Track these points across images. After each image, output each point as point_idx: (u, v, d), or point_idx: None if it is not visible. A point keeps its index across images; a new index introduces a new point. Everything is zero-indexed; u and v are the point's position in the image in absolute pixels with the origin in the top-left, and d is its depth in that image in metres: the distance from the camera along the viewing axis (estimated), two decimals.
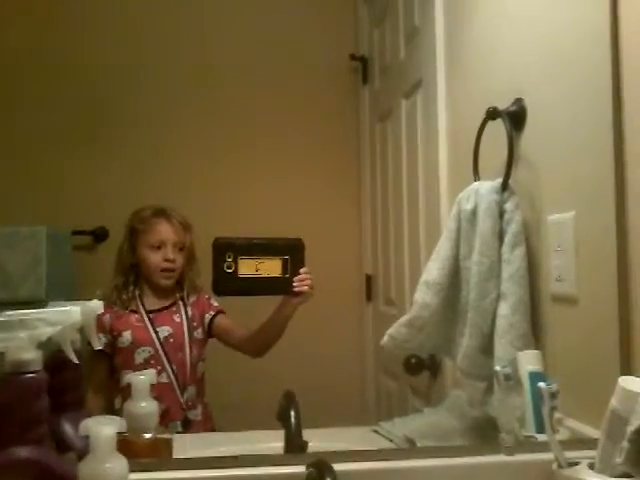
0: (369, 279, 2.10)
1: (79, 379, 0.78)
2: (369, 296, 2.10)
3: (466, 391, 1.22)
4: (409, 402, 1.64)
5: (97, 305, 0.77)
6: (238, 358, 1.62)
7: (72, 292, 1.90)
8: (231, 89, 2.11)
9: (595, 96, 0.93)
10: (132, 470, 0.67)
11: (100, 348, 0.80)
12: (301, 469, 0.73)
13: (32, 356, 0.62)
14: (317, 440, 0.98)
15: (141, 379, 0.84)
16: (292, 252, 1.25)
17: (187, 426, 1.54)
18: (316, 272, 1.32)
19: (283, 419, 0.91)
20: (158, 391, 1.47)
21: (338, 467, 0.72)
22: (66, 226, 1.96)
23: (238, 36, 2.13)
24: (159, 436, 0.84)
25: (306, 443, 0.88)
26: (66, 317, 0.66)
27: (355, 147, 2.18)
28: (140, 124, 2.09)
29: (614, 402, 0.71)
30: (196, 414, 1.57)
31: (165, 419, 1.50)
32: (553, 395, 0.75)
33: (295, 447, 0.87)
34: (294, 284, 1.26)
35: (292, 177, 2.15)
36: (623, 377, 0.72)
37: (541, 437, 0.89)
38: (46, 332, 0.63)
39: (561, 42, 1.00)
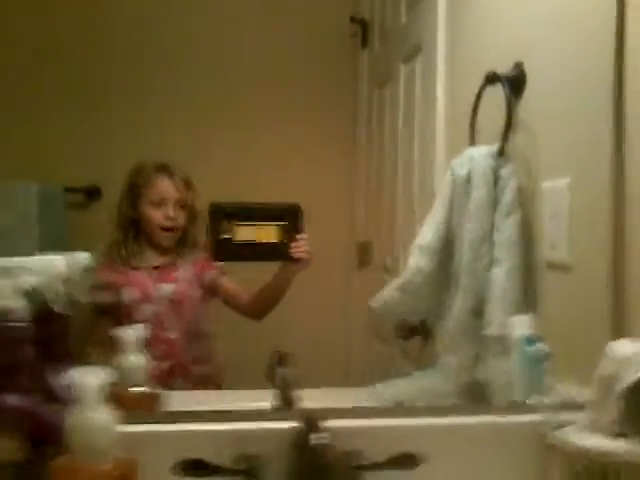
0: (362, 246, 2.09)
1: (66, 330, 0.78)
2: (362, 263, 2.09)
3: (457, 356, 1.23)
4: (399, 367, 1.65)
5: (84, 256, 0.77)
6: (230, 319, 1.63)
7: (64, 250, 1.90)
8: (228, 49, 2.08)
9: (595, 61, 0.92)
10: (118, 422, 0.67)
11: (88, 300, 0.78)
12: (290, 424, 0.73)
13: (15, 304, 0.62)
14: (306, 400, 0.99)
15: (130, 332, 0.84)
16: (290, 217, 1.24)
17: (195, 381, 1.55)
18: (310, 239, 1.31)
19: (271, 377, 0.91)
20: (164, 348, 1.50)
21: (327, 424, 0.72)
22: (58, 183, 1.95)
23: (237, 1, 2.09)
24: (148, 390, 0.84)
25: (295, 398, 0.88)
26: (50, 267, 0.66)
27: (352, 112, 2.15)
28: (137, 81, 2.05)
29: (602, 366, 0.71)
30: (202, 369, 1.58)
31: (171, 375, 1.51)
32: (546, 356, 0.75)
33: (283, 403, 0.87)
34: (292, 250, 1.26)
35: (288, 141, 2.12)
36: (611, 342, 0.72)
37: (532, 399, 0.89)
38: (29, 281, 0.63)
39: (562, 5, 0.98)
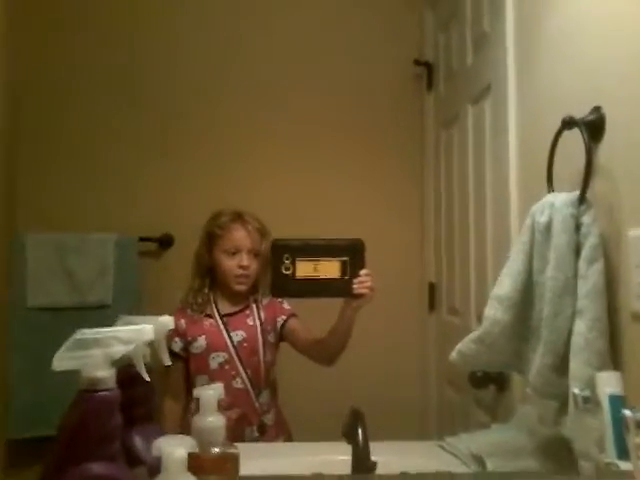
0: (432, 287, 2.06)
1: (149, 393, 0.79)
2: (432, 305, 2.07)
3: (536, 408, 1.18)
4: (473, 417, 1.61)
5: (168, 321, 0.78)
6: (302, 364, 1.62)
7: (137, 298, 1.95)
8: (298, 96, 2.13)
9: None
10: None
11: (169, 364, 0.79)
12: None
13: (106, 374, 0.63)
14: (382, 454, 0.97)
15: (209, 393, 0.83)
16: (351, 253, 1.24)
17: (263, 430, 1.55)
18: (378, 279, 1.29)
19: (349, 437, 0.90)
20: (233, 396, 1.52)
21: None
22: (133, 232, 2.02)
23: (305, 45, 2.14)
24: (226, 451, 0.83)
25: (374, 464, 0.86)
26: (139, 335, 0.67)
27: (419, 153, 2.16)
28: (208, 130, 2.12)
29: None
30: (270, 418, 1.57)
31: (242, 424, 1.53)
32: (639, 423, 0.71)
33: (363, 467, 0.85)
34: (354, 286, 1.25)
35: (357, 183, 2.15)
36: None
37: (623, 464, 0.85)
38: (120, 350, 0.64)
39: None
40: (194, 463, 0.75)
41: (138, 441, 0.75)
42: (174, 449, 0.58)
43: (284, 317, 1.63)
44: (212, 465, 0.81)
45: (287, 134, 2.16)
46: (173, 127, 2.11)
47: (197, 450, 0.68)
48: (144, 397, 0.77)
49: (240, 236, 1.61)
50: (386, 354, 2.08)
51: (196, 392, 0.84)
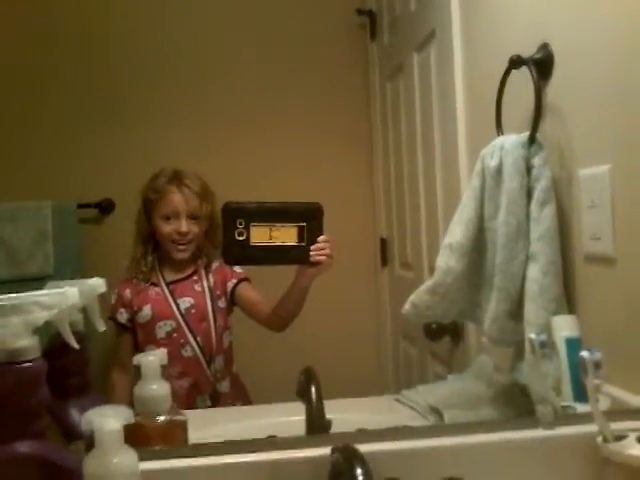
0: (384, 242, 2.04)
1: (83, 362, 0.73)
2: (384, 260, 2.04)
3: (493, 356, 1.17)
4: (430, 368, 1.60)
5: (98, 283, 0.72)
6: (258, 328, 1.58)
7: (80, 266, 1.87)
8: (235, 53, 2.04)
9: (631, 35, 0.85)
10: (143, 459, 0.62)
11: (103, 329, 0.73)
12: (325, 451, 0.68)
13: (28, 343, 0.57)
14: (339, 412, 0.94)
15: (150, 360, 0.79)
16: (309, 218, 1.17)
17: (216, 399, 1.50)
18: (329, 236, 1.25)
19: (303, 396, 0.86)
20: (183, 365, 1.46)
21: (365, 448, 0.67)
22: (71, 199, 1.92)
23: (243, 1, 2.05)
24: (173, 418, 0.79)
25: (329, 422, 0.83)
26: (63, 299, 0.61)
27: (365, 106, 2.10)
28: (146, 92, 2.02)
29: None
30: (225, 386, 1.53)
31: (193, 393, 1.47)
32: (597, 364, 0.69)
33: (318, 427, 0.82)
34: (311, 253, 1.20)
35: (302, 139, 2.08)
36: None
37: (580, 407, 0.84)
38: (42, 316, 0.58)
39: None
40: (137, 433, 0.70)
41: (74, 414, 0.70)
42: (105, 421, 0.53)
43: (234, 281, 1.57)
44: (157, 434, 0.77)
45: (229, 94, 2.07)
46: (111, 87, 2.00)
47: (135, 420, 0.62)
48: (77, 367, 0.72)
49: (176, 200, 1.53)
50: (340, 312, 2.05)
51: (136, 359, 0.79)
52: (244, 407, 1.45)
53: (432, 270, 1.16)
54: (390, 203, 1.95)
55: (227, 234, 1.14)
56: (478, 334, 1.21)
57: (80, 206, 1.94)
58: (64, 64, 1.96)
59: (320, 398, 0.85)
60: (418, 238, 1.66)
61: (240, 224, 1.14)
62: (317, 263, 1.22)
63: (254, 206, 1.16)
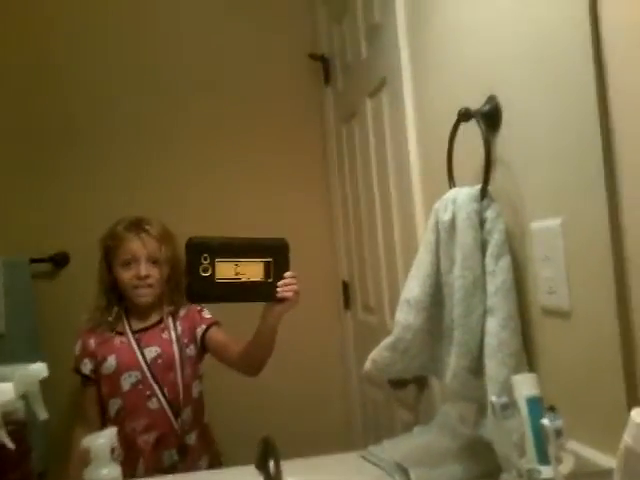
0: (346, 286, 2.02)
1: (22, 454, 0.69)
2: (347, 303, 2.02)
3: (457, 407, 1.16)
4: (397, 415, 1.58)
5: (39, 369, 0.68)
6: (228, 376, 1.54)
7: (35, 324, 1.81)
8: (194, 98, 2.03)
9: (577, 88, 0.86)
10: None
11: (45, 418, 0.69)
12: None
13: None
14: (300, 474, 0.91)
15: (100, 443, 0.75)
16: (276, 254, 1.15)
17: (184, 452, 1.45)
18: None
19: (262, 469, 0.83)
20: (149, 418, 1.41)
21: None
22: (23, 253, 1.86)
23: (197, 46, 2.04)
24: None
25: None
26: None
27: (321, 149, 2.11)
28: (103, 141, 1.99)
29: (628, 439, 0.64)
30: (193, 438, 1.48)
31: (159, 448, 1.42)
32: (558, 432, 0.68)
33: None
34: (278, 289, 1.17)
35: (261, 183, 2.07)
36: (637, 410, 0.64)
37: (544, 469, 0.82)
38: None
39: (535, 29, 0.92)
40: None
41: None
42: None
43: (204, 326, 1.53)
44: None
45: (185, 137, 2.05)
46: (64, 135, 1.96)
47: None
48: (15, 460, 0.68)
49: (134, 245, 1.50)
50: (306, 357, 2.02)
51: (85, 442, 0.75)
52: (206, 472, 1.40)
53: (394, 314, 1.14)
54: (350, 247, 1.94)
55: (191, 270, 1.10)
56: (442, 383, 1.20)
57: (33, 260, 1.89)
58: (11, 110, 1.92)
59: (279, 471, 0.82)
60: (379, 282, 1.65)
61: (205, 259, 1.10)
62: (284, 299, 1.19)
63: (219, 241, 1.13)
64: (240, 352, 1.45)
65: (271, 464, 0.81)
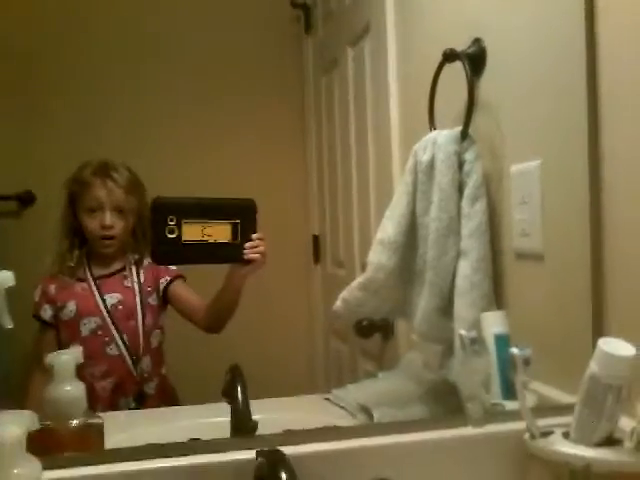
0: (316, 240, 2.01)
1: None
2: (317, 258, 2.02)
3: (422, 354, 1.16)
4: (360, 366, 1.59)
5: (5, 277, 0.66)
6: (189, 327, 1.52)
7: None
8: (171, 44, 1.97)
9: (562, 30, 0.85)
10: (51, 467, 0.58)
11: (10, 326, 0.67)
12: (250, 455, 0.64)
13: None
14: (266, 412, 0.91)
15: (64, 359, 0.73)
16: (243, 215, 1.13)
17: (142, 401, 1.43)
18: (261, 233, 1.22)
19: (229, 396, 0.82)
20: (108, 364, 1.38)
21: (291, 450, 0.64)
22: None
23: None
24: (88, 422, 0.74)
25: (255, 424, 0.79)
26: None
27: (299, 101, 2.07)
28: (70, 76, 1.92)
29: (594, 366, 0.65)
30: (152, 387, 1.47)
31: (117, 395, 1.40)
32: (526, 361, 0.68)
33: (243, 429, 0.79)
34: (245, 251, 1.16)
35: (233, 133, 2.03)
36: (604, 339, 0.65)
37: (508, 404, 0.83)
38: None
39: None
40: (47, 439, 0.66)
41: None
42: (4, 428, 0.48)
43: (168, 278, 1.50)
44: (70, 439, 0.72)
45: (161, 83, 1.99)
46: (34, 70, 1.89)
47: (45, 425, 0.58)
48: None
49: (100, 192, 1.46)
50: (272, 309, 2.01)
51: (49, 359, 0.74)
52: (167, 408, 1.39)
53: (364, 268, 1.14)
54: (323, 200, 1.93)
55: (157, 231, 1.07)
56: (408, 331, 1.21)
57: None
58: None
59: (246, 398, 0.82)
60: (351, 235, 1.65)
61: (171, 221, 1.07)
62: (250, 261, 1.18)
63: (186, 202, 1.10)
64: (202, 309, 1.44)
65: (238, 389, 0.81)
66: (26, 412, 0.55)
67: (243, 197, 1.15)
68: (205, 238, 1.09)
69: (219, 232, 1.11)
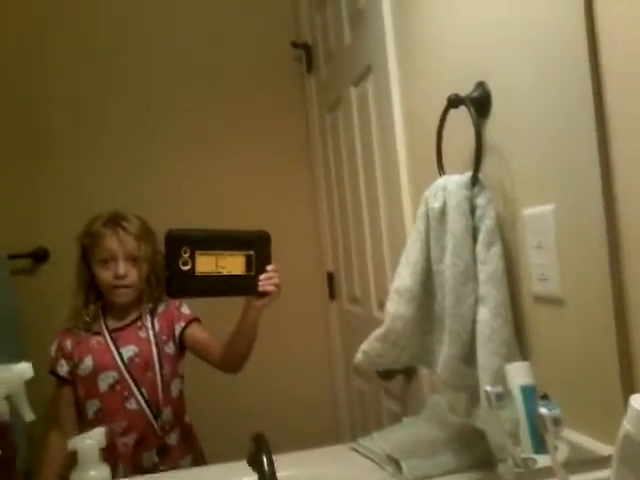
0: (331, 277, 2.01)
1: (8, 457, 0.66)
2: (332, 295, 2.01)
3: (446, 397, 1.15)
4: (384, 406, 1.57)
5: (24, 369, 0.66)
6: (209, 373, 1.51)
7: (15, 321, 1.77)
8: (176, 90, 1.99)
9: (570, 71, 0.85)
10: None
11: (32, 419, 0.67)
12: None
13: None
14: (291, 468, 0.90)
15: (88, 444, 0.73)
16: (257, 246, 1.12)
17: (164, 453, 1.41)
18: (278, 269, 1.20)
19: (254, 465, 0.81)
20: (128, 420, 1.37)
21: None
22: (1, 249, 1.82)
23: (178, 36, 2.00)
24: None
25: None
26: None
27: (305, 138, 2.08)
28: (81, 133, 1.94)
29: (627, 425, 0.63)
30: (174, 439, 1.45)
31: (139, 449, 1.39)
32: (556, 421, 0.67)
33: None
34: (260, 283, 1.14)
35: (245, 174, 2.03)
36: (636, 396, 0.64)
37: (539, 458, 0.82)
38: None
39: (525, 14, 0.91)
40: None
41: None
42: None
43: (183, 324, 1.50)
44: None
45: (168, 128, 2.01)
46: (42, 127, 1.91)
47: None
48: (2, 463, 0.65)
49: (112, 242, 1.46)
50: (291, 350, 2.00)
51: (71, 443, 0.73)
52: (192, 470, 1.37)
53: (380, 304, 1.13)
54: (336, 237, 1.92)
55: (171, 264, 1.06)
56: (431, 373, 1.19)
57: (11, 257, 1.85)
58: None
59: (272, 467, 0.80)
60: (365, 273, 1.64)
61: (185, 252, 1.06)
62: (265, 293, 1.17)
63: (200, 233, 1.09)
64: (220, 349, 1.42)
65: (264, 460, 0.79)
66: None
67: (256, 229, 1.15)
68: (219, 270, 1.08)
69: (233, 264, 1.10)
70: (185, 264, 1.06)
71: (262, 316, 1.29)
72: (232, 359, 1.42)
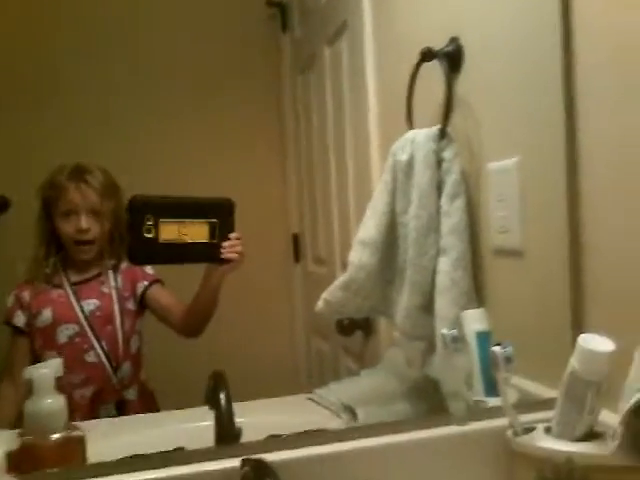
0: (296, 238, 2.01)
1: None
2: (297, 256, 2.01)
3: (403, 351, 1.17)
4: (342, 364, 1.59)
5: None
6: (167, 331, 1.51)
7: None
8: (145, 43, 1.95)
9: (540, 29, 0.86)
10: None
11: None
12: (235, 463, 0.64)
13: None
14: (250, 414, 0.91)
15: (43, 372, 0.72)
16: (221, 214, 1.12)
17: (123, 407, 1.41)
18: (240, 232, 1.21)
19: (212, 403, 0.82)
20: (87, 372, 1.36)
21: (276, 457, 0.64)
22: None
23: None
24: (69, 435, 0.73)
25: (239, 431, 0.79)
26: None
27: (276, 100, 2.06)
28: (43, 76, 1.90)
29: (574, 363, 0.65)
30: (132, 393, 1.45)
31: (96, 402, 1.38)
32: (508, 359, 0.69)
33: (227, 436, 0.78)
34: (222, 250, 1.15)
35: (212, 133, 2.01)
36: (583, 335, 0.66)
37: (491, 401, 0.84)
38: None
39: None
40: (29, 456, 0.65)
41: None
42: None
43: (145, 283, 1.48)
44: (52, 454, 0.71)
45: (134, 83, 1.97)
46: (4, 73, 1.86)
47: (26, 440, 0.57)
48: None
49: (75, 196, 1.43)
50: (253, 309, 2.00)
51: (27, 372, 0.73)
52: (149, 415, 1.38)
53: (345, 265, 1.14)
54: (302, 199, 1.92)
55: (134, 231, 1.05)
56: (389, 328, 1.21)
57: None
58: None
59: (230, 406, 0.81)
60: (330, 234, 1.65)
61: (148, 220, 1.05)
62: (228, 261, 1.17)
63: (164, 201, 1.08)
64: (181, 313, 1.42)
65: (222, 397, 0.80)
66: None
67: (221, 196, 1.15)
68: (182, 237, 1.08)
69: (197, 231, 1.10)
70: (148, 232, 1.06)
71: (225, 280, 1.30)
72: (192, 324, 1.42)
